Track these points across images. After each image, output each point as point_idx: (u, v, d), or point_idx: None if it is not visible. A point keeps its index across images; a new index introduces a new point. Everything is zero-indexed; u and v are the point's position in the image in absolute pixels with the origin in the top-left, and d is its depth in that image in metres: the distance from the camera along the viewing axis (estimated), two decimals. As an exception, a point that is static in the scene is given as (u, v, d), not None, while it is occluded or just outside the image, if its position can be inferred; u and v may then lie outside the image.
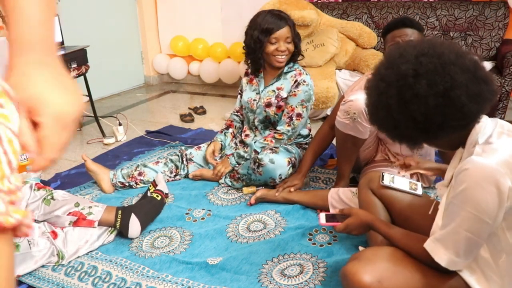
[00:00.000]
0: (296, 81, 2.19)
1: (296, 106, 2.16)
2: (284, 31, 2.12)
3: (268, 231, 1.86)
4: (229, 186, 2.27)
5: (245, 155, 2.22)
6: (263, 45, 2.13)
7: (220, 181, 2.28)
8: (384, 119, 1.08)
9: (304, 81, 2.18)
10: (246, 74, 2.40)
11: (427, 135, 1.05)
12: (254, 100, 2.31)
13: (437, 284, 1.15)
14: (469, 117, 1.02)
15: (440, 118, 1.00)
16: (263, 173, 2.09)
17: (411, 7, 3.46)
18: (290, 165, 2.12)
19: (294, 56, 2.22)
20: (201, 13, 4.37)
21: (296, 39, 2.18)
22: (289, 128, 2.14)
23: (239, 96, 2.44)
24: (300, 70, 2.23)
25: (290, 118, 2.14)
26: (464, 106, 0.99)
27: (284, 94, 2.21)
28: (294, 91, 2.17)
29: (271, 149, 2.15)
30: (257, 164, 2.09)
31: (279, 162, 2.08)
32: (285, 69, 2.22)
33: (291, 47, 2.16)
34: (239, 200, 2.15)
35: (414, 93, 1.00)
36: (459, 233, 1.05)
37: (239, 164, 2.22)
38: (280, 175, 2.09)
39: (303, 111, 2.17)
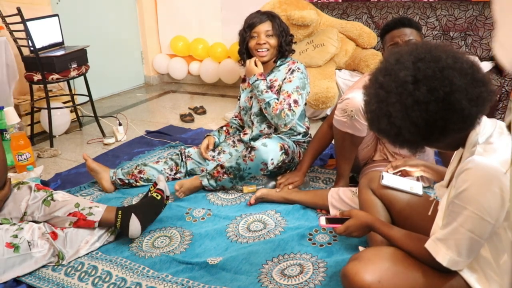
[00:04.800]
0: (290, 68, 2.22)
1: (292, 92, 2.15)
2: (264, 25, 2.19)
3: (268, 231, 1.86)
4: (212, 188, 2.18)
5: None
6: (246, 39, 2.23)
7: (203, 183, 2.17)
8: (385, 127, 1.07)
9: (299, 69, 2.22)
10: (243, 81, 2.44)
11: (429, 139, 1.05)
12: (251, 97, 2.34)
13: (438, 284, 1.15)
14: (470, 120, 1.02)
15: (441, 122, 1.00)
16: (255, 158, 2.05)
17: (411, 7, 3.46)
18: (283, 151, 2.10)
19: (283, 51, 2.25)
20: (201, 13, 4.37)
21: (281, 34, 2.21)
22: (290, 113, 2.12)
23: (238, 101, 2.48)
24: (293, 60, 2.27)
25: (289, 104, 2.13)
26: (465, 109, 0.99)
27: (278, 83, 2.22)
28: (289, 78, 2.19)
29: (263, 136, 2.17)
30: (249, 149, 2.08)
31: (271, 146, 2.07)
32: (278, 63, 2.27)
33: (272, 41, 2.20)
34: (239, 200, 2.15)
35: (415, 100, 0.99)
36: (461, 233, 1.05)
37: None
38: (272, 159, 2.06)
39: (299, 98, 2.15)
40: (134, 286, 1.56)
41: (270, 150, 2.06)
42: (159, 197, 1.89)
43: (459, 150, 1.18)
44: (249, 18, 2.23)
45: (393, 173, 1.58)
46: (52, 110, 2.94)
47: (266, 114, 2.20)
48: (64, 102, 3.34)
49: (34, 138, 3.12)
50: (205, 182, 2.18)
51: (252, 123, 2.34)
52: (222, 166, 2.15)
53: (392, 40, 1.87)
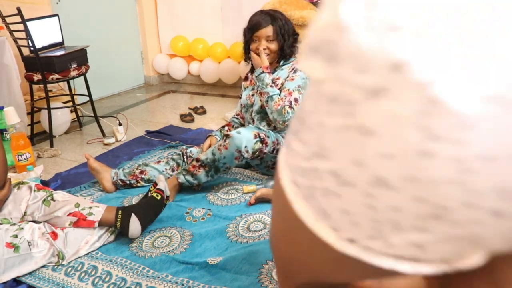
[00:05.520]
0: (294, 68, 2.23)
1: (293, 90, 2.16)
2: (265, 30, 2.19)
3: (268, 231, 1.86)
4: (189, 184, 2.15)
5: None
6: (248, 42, 2.26)
7: (180, 180, 2.13)
8: None
9: None
10: (246, 79, 2.46)
11: None
12: (252, 95, 2.36)
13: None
14: None
15: None
16: (229, 146, 2.05)
17: (411, 7, 3.46)
18: (258, 139, 2.09)
19: (285, 55, 2.26)
20: (201, 13, 4.37)
21: (283, 38, 2.21)
22: (290, 111, 2.13)
23: (239, 100, 2.49)
24: (297, 61, 2.26)
25: (290, 102, 2.15)
26: None
27: (281, 81, 2.24)
28: (292, 76, 2.21)
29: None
30: (224, 138, 2.08)
31: (244, 133, 2.07)
32: (281, 63, 2.29)
33: (272, 45, 2.21)
34: (239, 200, 2.15)
35: None
36: None
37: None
38: (246, 146, 2.05)
39: (299, 97, 2.17)
40: (134, 286, 1.56)
41: (244, 137, 2.05)
42: (159, 197, 1.89)
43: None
44: (252, 19, 2.24)
45: None
46: (52, 110, 2.94)
47: (266, 108, 2.21)
48: (64, 102, 3.34)
49: (34, 138, 3.12)
50: (181, 179, 2.14)
51: (253, 121, 2.36)
52: (198, 160, 2.13)
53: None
